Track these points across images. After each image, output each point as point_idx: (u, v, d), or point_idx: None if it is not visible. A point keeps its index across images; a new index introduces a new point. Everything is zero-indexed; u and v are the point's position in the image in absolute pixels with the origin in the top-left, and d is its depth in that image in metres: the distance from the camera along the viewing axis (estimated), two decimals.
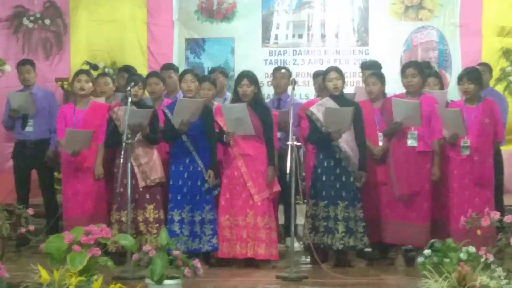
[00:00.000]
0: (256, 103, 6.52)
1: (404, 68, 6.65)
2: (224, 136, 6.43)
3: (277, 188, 6.53)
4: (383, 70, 7.22)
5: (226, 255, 6.40)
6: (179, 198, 6.42)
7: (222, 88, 7.52)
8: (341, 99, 6.49)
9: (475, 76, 6.45)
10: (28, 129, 7.56)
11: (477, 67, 7.57)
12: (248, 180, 6.41)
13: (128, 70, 7.81)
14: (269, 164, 6.45)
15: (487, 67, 7.71)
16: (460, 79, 6.49)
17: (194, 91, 6.53)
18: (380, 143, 6.69)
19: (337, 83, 6.44)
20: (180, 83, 6.61)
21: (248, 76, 6.53)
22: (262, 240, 6.35)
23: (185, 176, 6.43)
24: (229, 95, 7.60)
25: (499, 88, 9.15)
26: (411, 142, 6.48)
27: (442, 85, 6.92)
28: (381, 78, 6.84)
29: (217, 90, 7.07)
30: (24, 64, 7.73)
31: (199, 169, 6.43)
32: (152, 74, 7.30)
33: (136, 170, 6.46)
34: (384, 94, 6.94)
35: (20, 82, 7.75)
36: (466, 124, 6.27)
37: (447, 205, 6.45)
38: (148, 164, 6.50)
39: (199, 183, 6.42)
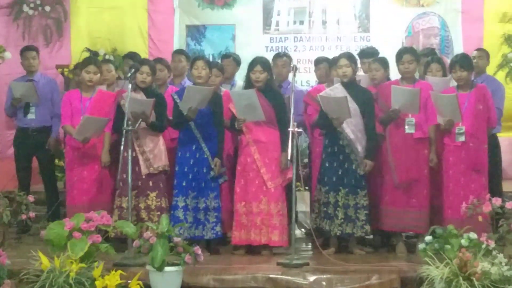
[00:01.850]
0: (269, 89, 6.49)
1: (401, 54, 6.58)
2: (236, 122, 6.42)
3: (290, 174, 6.37)
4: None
5: (244, 241, 6.40)
6: (184, 184, 6.41)
7: (232, 74, 7.50)
8: (351, 85, 6.46)
9: (466, 62, 6.43)
10: (30, 116, 7.57)
11: (475, 52, 7.57)
12: (261, 166, 6.39)
13: (132, 57, 7.78)
14: (282, 150, 6.39)
15: (485, 53, 7.69)
16: (452, 66, 6.46)
17: (204, 78, 6.51)
18: None
19: (346, 70, 6.41)
20: (191, 69, 6.58)
21: (262, 62, 6.50)
22: (276, 226, 6.34)
23: (191, 163, 6.42)
24: (236, 81, 7.56)
25: (501, 74, 9.14)
26: (408, 129, 6.46)
27: (444, 71, 6.91)
28: (384, 64, 6.81)
29: (226, 75, 7.10)
30: (29, 50, 7.77)
31: (205, 156, 6.42)
32: (156, 60, 7.26)
33: (140, 157, 6.45)
34: (388, 80, 6.91)
35: (23, 68, 7.75)
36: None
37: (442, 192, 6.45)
38: (152, 151, 6.49)
39: (204, 171, 6.41)
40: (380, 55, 7.30)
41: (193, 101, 6.28)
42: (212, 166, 6.40)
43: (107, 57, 9.42)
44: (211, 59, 9.36)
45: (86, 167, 6.64)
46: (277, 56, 7.70)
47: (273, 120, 6.45)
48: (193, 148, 6.44)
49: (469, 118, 6.30)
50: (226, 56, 7.82)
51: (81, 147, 6.59)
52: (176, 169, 6.49)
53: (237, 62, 7.63)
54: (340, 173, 6.38)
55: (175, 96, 6.53)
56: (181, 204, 6.39)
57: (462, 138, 6.30)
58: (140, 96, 6.45)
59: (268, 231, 6.35)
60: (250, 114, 6.34)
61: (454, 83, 6.58)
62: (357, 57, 6.87)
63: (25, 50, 7.78)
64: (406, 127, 6.45)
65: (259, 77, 6.45)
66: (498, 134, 7.34)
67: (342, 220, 6.31)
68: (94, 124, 6.52)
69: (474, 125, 6.32)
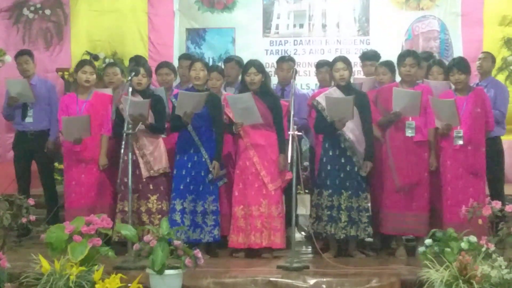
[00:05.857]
0: (264, 92, 6.51)
1: (403, 57, 6.59)
2: (233, 126, 6.42)
3: (289, 175, 6.41)
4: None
5: (242, 245, 6.40)
6: (181, 187, 6.41)
7: (236, 78, 7.47)
8: (348, 88, 6.47)
9: (464, 65, 6.43)
10: (28, 119, 7.53)
11: (480, 55, 7.58)
12: (261, 169, 6.40)
13: (138, 60, 7.78)
14: (280, 152, 6.42)
15: (490, 55, 7.69)
16: (450, 70, 6.47)
17: (202, 79, 6.51)
18: None
19: (344, 73, 6.42)
20: (189, 70, 6.59)
21: (256, 65, 6.51)
22: (277, 229, 6.36)
23: (189, 166, 6.42)
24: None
25: (501, 77, 9.13)
26: (409, 133, 6.46)
27: (446, 74, 6.91)
28: (391, 68, 6.82)
29: (230, 79, 7.08)
30: (21, 55, 7.70)
31: (204, 159, 6.41)
32: (163, 64, 7.29)
33: (140, 160, 6.46)
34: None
35: (19, 73, 7.72)
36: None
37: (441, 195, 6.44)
38: (152, 154, 6.50)
39: (203, 174, 6.41)
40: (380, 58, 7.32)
41: (187, 106, 6.29)
42: (211, 169, 6.40)
43: (107, 60, 9.44)
44: (211, 63, 9.40)
45: (84, 170, 6.64)
46: (282, 60, 7.66)
47: (270, 123, 6.46)
48: (191, 151, 6.44)
49: (467, 121, 6.31)
50: (228, 60, 7.79)
51: (78, 150, 6.59)
52: (174, 172, 6.49)
53: (240, 65, 7.62)
54: (342, 176, 6.38)
55: (173, 100, 6.54)
56: (178, 207, 6.38)
57: (460, 142, 6.30)
58: (137, 98, 6.45)
59: (269, 233, 6.35)
60: (247, 118, 6.35)
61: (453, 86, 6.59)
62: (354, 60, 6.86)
63: (18, 56, 7.72)
64: (407, 130, 6.45)
65: (254, 79, 6.46)
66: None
67: (346, 223, 6.31)
68: (76, 124, 6.50)
69: (472, 129, 6.32)
